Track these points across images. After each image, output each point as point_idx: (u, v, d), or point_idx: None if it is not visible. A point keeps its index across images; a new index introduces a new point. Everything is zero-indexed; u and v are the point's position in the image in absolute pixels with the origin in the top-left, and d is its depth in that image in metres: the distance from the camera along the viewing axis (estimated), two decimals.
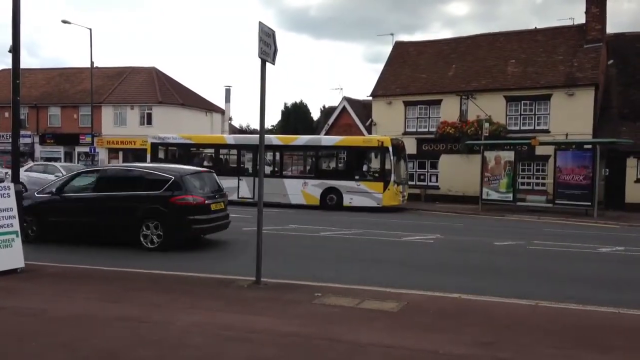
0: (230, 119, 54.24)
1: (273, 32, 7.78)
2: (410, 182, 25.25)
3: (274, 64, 7.82)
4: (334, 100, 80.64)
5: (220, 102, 50.91)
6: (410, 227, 16.09)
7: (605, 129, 24.20)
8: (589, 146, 21.52)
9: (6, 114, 42.70)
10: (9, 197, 8.13)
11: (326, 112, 53.64)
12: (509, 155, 22.72)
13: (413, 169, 27.52)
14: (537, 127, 25.46)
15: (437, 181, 27.49)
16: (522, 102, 25.93)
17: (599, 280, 9.31)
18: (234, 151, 24.52)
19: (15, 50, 9.26)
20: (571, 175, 21.07)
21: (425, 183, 27.77)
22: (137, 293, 7.19)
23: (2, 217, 7.95)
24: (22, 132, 44.32)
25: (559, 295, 7.60)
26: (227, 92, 51.58)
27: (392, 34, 38.50)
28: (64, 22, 35.58)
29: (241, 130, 64.82)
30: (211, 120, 46.87)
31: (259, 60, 7.60)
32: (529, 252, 12.14)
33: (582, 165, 20.94)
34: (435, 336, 5.59)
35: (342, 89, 56.89)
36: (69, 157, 44.73)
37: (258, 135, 8.08)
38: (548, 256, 11.69)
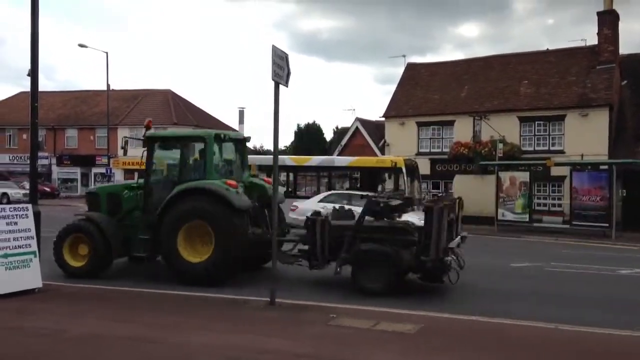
0: None
1: (286, 55, 7.88)
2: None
3: (287, 87, 7.90)
4: (347, 121, 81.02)
5: (234, 124, 51.42)
6: None
7: (620, 149, 23.98)
8: (605, 167, 21.31)
9: (24, 136, 43.45)
10: (27, 217, 8.23)
11: (339, 132, 53.87)
12: (523, 176, 22.57)
13: (427, 189, 27.41)
14: (551, 148, 25.31)
15: None
16: (536, 122, 25.84)
17: (618, 302, 9.13)
18: None
19: (33, 74, 9.45)
20: (588, 196, 20.85)
21: None
22: (151, 313, 7.19)
23: (21, 237, 8.05)
24: (39, 154, 45.07)
25: (577, 318, 7.46)
26: (241, 113, 52.15)
27: (404, 56, 38.95)
28: (81, 45, 36.32)
29: (255, 152, 65.29)
30: None
31: (273, 82, 7.69)
32: (546, 274, 11.96)
33: (598, 186, 20.72)
34: (452, 359, 5.52)
35: (354, 109, 57.43)
36: (85, 178, 45.28)
37: (272, 156, 8.14)
38: (566, 278, 11.51)
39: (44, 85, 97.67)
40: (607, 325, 7.05)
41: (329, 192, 20.33)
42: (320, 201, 19.10)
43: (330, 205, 18.84)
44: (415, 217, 11.94)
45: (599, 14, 26.49)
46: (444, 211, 8.17)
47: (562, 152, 24.75)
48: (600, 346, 6.18)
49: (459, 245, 9.59)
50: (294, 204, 19.97)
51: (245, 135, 11.46)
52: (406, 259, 8.61)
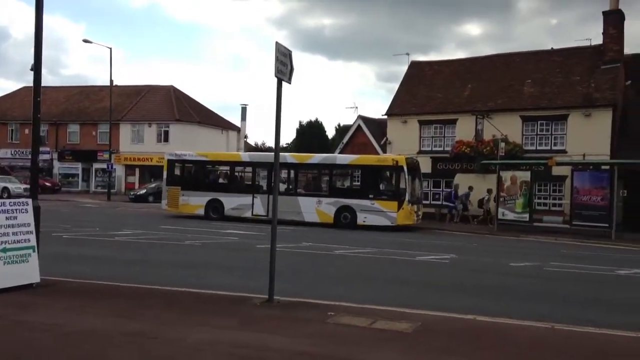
0: (245, 136, 54.75)
1: (289, 52, 7.87)
2: (424, 201, 25.13)
3: (290, 83, 7.88)
4: (349, 119, 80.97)
5: (236, 120, 51.47)
6: (424, 247, 15.97)
7: (622, 149, 23.91)
8: (607, 167, 21.27)
9: (26, 131, 43.53)
10: (27, 212, 8.22)
11: (341, 130, 53.88)
12: (525, 175, 22.53)
13: (427, 187, 27.40)
14: (553, 148, 25.26)
15: None
16: (539, 122, 25.79)
17: (617, 303, 9.13)
18: (249, 169, 24.65)
19: (36, 68, 9.44)
20: (588, 196, 20.82)
21: (439, 202, 27.62)
22: (150, 310, 7.20)
23: (20, 232, 8.04)
24: (41, 149, 45.14)
25: (576, 318, 7.46)
26: (243, 110, 52.22)
27: (407, 54, 38.91)
28: (85, 41, 36.37)
29: (256, 148, 65.27)
30: (227, 138, 47.32)
31: (276, 79, 7.67)
32: (546, 274, 11.96)
33: (599, 186, 20.69)
34: (449, 358, 5.52)
35: (357, 107, 57.04)
36: (86, 173, 45.35)
37: (273, 153, 8.12)
38: (565, 278, 11.51)
39: (48, 80, 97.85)
40: (605, 326, 7.03)
41: None
42: None
43: None
44: None
45: (604, 13, 26.43)
46: None
47: (564, 151, 24.71)
48: (597, 346, 6.17)
49: None
50: None
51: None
52: None
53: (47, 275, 8.58)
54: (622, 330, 6.89)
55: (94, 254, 12.69)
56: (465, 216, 25.14)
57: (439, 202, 27.56)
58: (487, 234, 21.68)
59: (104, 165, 39.74)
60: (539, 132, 25.82)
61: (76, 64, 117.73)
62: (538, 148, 25.62)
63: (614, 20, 26.17)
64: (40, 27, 9.36)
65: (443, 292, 9.59)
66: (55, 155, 45.04)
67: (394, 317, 7.02)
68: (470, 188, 25.34)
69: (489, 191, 24.57)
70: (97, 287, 8.62)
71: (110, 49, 36.98)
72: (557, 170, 23.51)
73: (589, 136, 24.03)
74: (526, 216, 22.23)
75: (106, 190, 37.89)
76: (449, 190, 25.89)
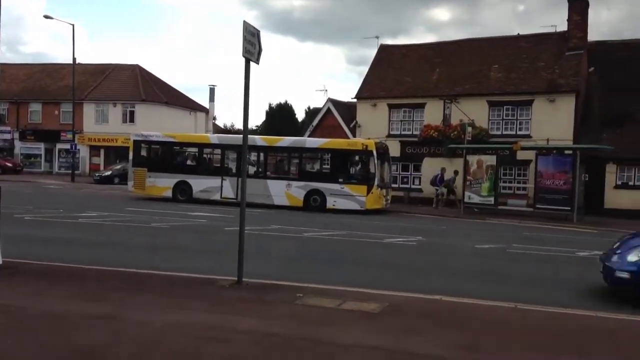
0: (214, 118, 54.04)
1: (258, 32, 7.78)
2: (393, 185, 25.35)
3: (258, 64, 7.80)
4: (319, 102, 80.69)
5: (204, 102, 50.72)
6: (392, 229, 16.15)
7: (585, 135, 24.54)
8: (570, 152, 21.80)
9: None
10: None
11: (311, 113, 53.67)
12: (490, 159, 22.92)
13: (396, 171, 27.65)
14: (518, 132, 25.74)
15: (420, 184, 27.65)
16: (505, 107, 26.20)
17: (578, 283, 9.43)
18: (218, 151, 24.37)
19: None
20: (552, 180, 21.32)
21: (408, 186, 27.93)
22: (117, 292, 7.11)
23: None
24: (1, 128, 43.82)
25: (538, 298, 7.69)
26: (212, 91, 51.40)
27: (377, 37, 38.60)
28: (46, 17, 35.17)
29: (225, 130, 64.55)
30: (195, 120, 46.63)
31: (244, 59, 7.58)
32: (509, 256, 12.27)
33: (562, 170, 21.19)
34: (416, 337, 5.62)
35: (326, 90, 56.69)
36: (49, 154, 44.16)
37: (241, 136, 8.06)
38: (527, 259, 11.82)
39: (7, 57, 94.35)
40: (565, 305, 7.27)
41: None
42: None
43: None
44: None
45: (569, 0, 26.85)
46: None
47: (528, 136, 25.20)
48: (556, 325, 6.38)
49: None
50: None
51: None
52: None
53: (8, 257, 8.37)
54: (581, 309, 7.14)
55: (58, 236, 12.43)
56: (452, 200, 25.26)
57: (407, 186, 27.87)
58: (454, 217, 22.04)
59: (68, 146, 38.68)
60: (504, 117, 26.25)
61: (37, 42, 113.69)
62: (504, 133, 26.05)
63: (578, 8, 26.64)
64: None
65: (410, 273, 9.74)
66: (16, 135, 43.69)
67: (362, 298, 7.11)
68: (456, 172, 25.31)
69: None
70: (61, 269, 8.46)
71: (73, 25, 35.73)
72: (521, 155, 23.97)
73: (552, 121, 24.55)
74: (491, 199, 22.65)
75: (70, 172, 36.98)
76: (436, 174, 25.75)
